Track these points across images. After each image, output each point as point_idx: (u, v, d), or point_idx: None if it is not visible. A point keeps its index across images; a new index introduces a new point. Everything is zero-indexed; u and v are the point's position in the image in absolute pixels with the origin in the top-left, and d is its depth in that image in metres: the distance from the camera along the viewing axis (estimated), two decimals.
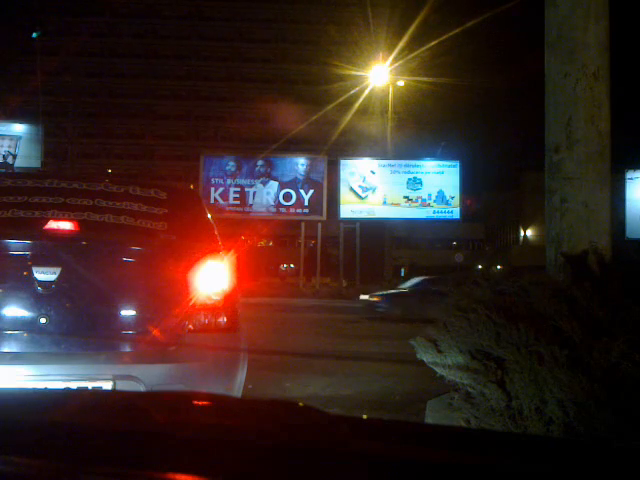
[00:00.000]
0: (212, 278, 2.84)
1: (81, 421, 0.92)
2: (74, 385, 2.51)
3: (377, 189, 23.21)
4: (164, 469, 0.74)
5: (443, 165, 23.69)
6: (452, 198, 23.27)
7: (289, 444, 0.83)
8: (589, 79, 4.04)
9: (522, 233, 39.77)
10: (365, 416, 1.07)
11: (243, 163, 23.39)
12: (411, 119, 28.96)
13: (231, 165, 23.25)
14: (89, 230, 2.86)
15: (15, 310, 2.66)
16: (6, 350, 2.58)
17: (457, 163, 23.68)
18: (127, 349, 2.69)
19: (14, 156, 21.35)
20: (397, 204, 23.21)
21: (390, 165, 23.48)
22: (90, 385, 2.51)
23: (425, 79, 25.56)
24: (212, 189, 22.95)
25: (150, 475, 0.73)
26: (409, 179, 23.26)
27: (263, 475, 0.74)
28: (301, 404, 1.08)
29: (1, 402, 1.03)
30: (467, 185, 23.97)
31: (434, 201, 23.27)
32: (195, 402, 1.09)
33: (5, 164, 20.90)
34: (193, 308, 2.76)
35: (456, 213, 23.48)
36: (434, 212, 23.36)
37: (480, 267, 24.12)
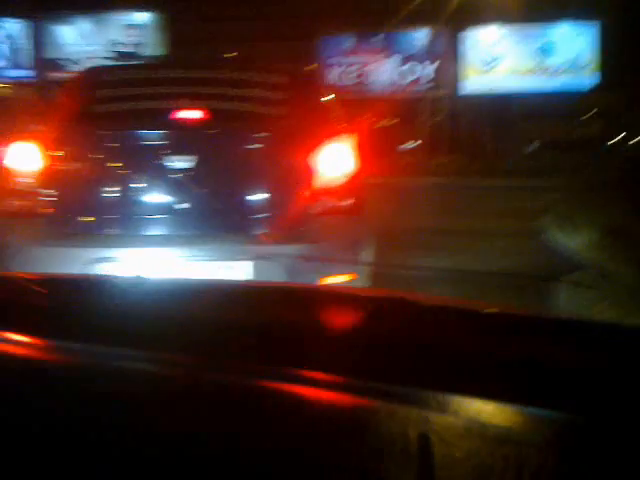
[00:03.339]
0: (336, 161, 2.89)
1: (214, 315, 0.96)
2: (217, 265, 2.71)
3: (503, 59, 21.76)
4: (298, 365, 0.74)
5: (580, 27, 21.62)
6: (589, 65, 21.38)
7: (418, 342, 0.83)
8: None
9: None
10: (494, 309, 1.01)
11: (361, 40, 22.64)
12: None
13: (349, 43, 22.59)
14: (218, 118, 2.96)
15: (159, 197, 2.87)
16: (157, 233, 2.82)
17: (596, 24, 21.47)
18: (263, 231, 2.83)
19: (143, 45, 21.98)
20: (526, 74, 21.73)
21: (518, 32, 21.77)
22: (231, 265, 2.70)
23: None
24: (331, 69, 22.55)
25: (284, 372, 0.72)
26: (539, 46, 21.54)
27: (394, 371, 0.74)
28: (429, 302, 1.07)
29: (138, 295, 1.06)
30: (608, 49, 21.73)
31: (568, 69, 21.51)
32: (322, 297, 1.08)
33: (134, 54, 21.59)
34: (320, 191, 2.84)
35: (594, 80, 21.62)
36: (567, 81, 21.66)
37: (617, 139, 22.44)
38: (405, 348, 0.80)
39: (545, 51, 21.56)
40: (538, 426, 0.59)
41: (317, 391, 0.66)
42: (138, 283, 1.07)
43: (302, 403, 0.64)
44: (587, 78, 21.55)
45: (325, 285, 2.19)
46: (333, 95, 3.40)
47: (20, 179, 2.90)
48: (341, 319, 0.93)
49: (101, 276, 1.65)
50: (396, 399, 0.63)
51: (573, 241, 3.74)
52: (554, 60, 21.56)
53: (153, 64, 3.79)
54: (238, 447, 0.57)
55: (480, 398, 0.63)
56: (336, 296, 1.07)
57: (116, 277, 1.44)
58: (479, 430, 0.56)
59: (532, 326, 0.92)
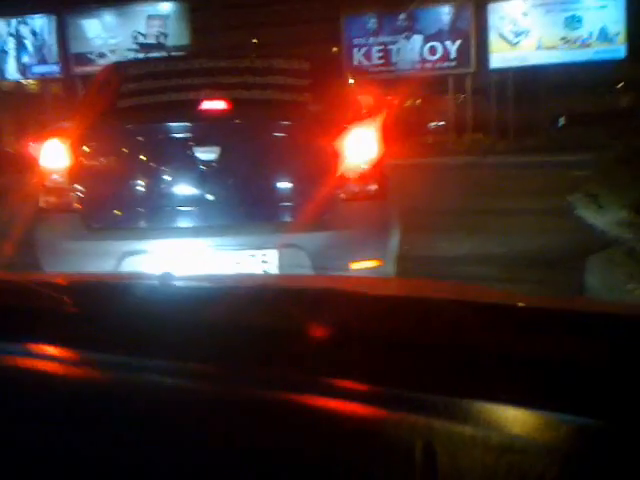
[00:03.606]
0: (360, 146, 2.89)
1: (233, 319, 0.92)
2: (245, 254, 2.75)
3: (530, 32, 21.33)
4: (300, 371, 0.72)
5: None
6: (617, 35, 20.86)
7: (427, 343, 0.80)
8: None
9: None
10: (510, 302, 0.94)
11: (385, 19, 22.39)
12: None
13: (372, 22, 22.36)
14: (241, 108, 2.98)
15: (185, 189, 2.91)
16: (186, 225, 2.86)
17: None
18: (288, 219, 2.86)
19: (165, 35, 22.08)
20: (553, 47, 21.28)
21: (544, 4, 21.33)
22: (257, 254, 2.74)
23: None
24: (355, 50, 22.37)
25: (285, 378, 0.71)
26: (566, 18, 21.05)
27: (423, 372, 0.72)
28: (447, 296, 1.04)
29: (160, 299, 1.02)
30: (635, 18, 21.14)
31: (596, 40, 21.00)
32: (331, 297, 1.03)
33: (158, 44, 21.72)
34: (344, 177, 2.85)
35: (621, 51, 21.07)
36: (595, 52, 21.16)
37: None
38: (414, 349, 0.78)
39: (572, 23, 21.09)
40: (544, 431, 0.58)
41: (321, 398, 0.64)
42: (160, 285, 1.05)
43: (305, 410, 0.63)
44: (615, 50, 21.03)
45: (342, 278, 2.16)
46: (352, 80, 3.38)
47: (51, 175, 2.95)
48: (348, 321, 0.90)
49: (123, 277, 1.62)
50: (403, 405, 0.62)
51: (602, 219, 3.70)
52: (581, 32, 21.07)
53: (178, 56, 3.84)
54: (239, 448, 0.57)
55: (489, 402, 0.62)
56: (346, 296, 1.03)
57: (140, 276, 1.42)
58: (483, 438, 0.56)
59: (551, 320, 0.88)
